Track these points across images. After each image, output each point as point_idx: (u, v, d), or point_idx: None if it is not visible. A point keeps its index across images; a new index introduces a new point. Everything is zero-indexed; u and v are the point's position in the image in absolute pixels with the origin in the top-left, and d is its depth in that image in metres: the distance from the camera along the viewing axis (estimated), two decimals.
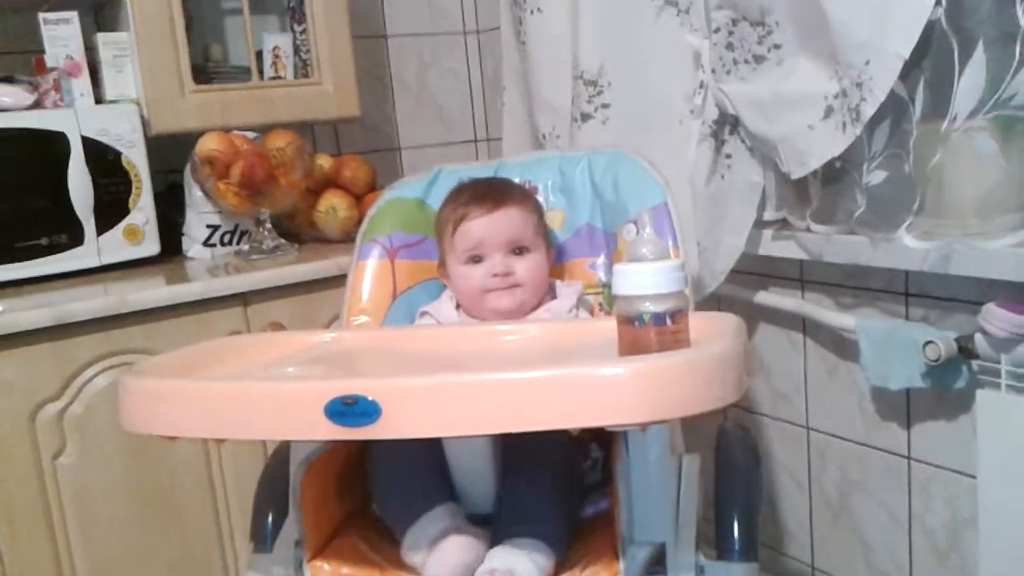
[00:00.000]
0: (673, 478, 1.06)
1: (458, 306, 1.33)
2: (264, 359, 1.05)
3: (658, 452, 0.99)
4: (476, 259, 1.30)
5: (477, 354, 1.07)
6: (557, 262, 1.40)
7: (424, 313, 1.33)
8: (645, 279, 0.84)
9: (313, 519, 1.05)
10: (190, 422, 0.83)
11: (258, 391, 0.81)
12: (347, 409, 0.78)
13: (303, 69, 2.03)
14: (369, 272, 1.38)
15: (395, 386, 0.79)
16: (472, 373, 0.80)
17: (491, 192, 1.33)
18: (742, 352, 0.84)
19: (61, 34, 1.77)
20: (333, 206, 1.93)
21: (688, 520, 1.04)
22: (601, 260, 1.40)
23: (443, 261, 1.36)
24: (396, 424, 0.78)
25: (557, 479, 1.10)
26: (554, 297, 1.34)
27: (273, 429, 0.82)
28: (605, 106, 1.69)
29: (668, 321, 0.83)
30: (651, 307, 0.83)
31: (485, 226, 1.29)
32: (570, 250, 1.42)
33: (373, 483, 1.13)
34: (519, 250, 1.30)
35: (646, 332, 0.83)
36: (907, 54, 1.22)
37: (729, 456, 1.17)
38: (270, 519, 1.15)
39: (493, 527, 1.06)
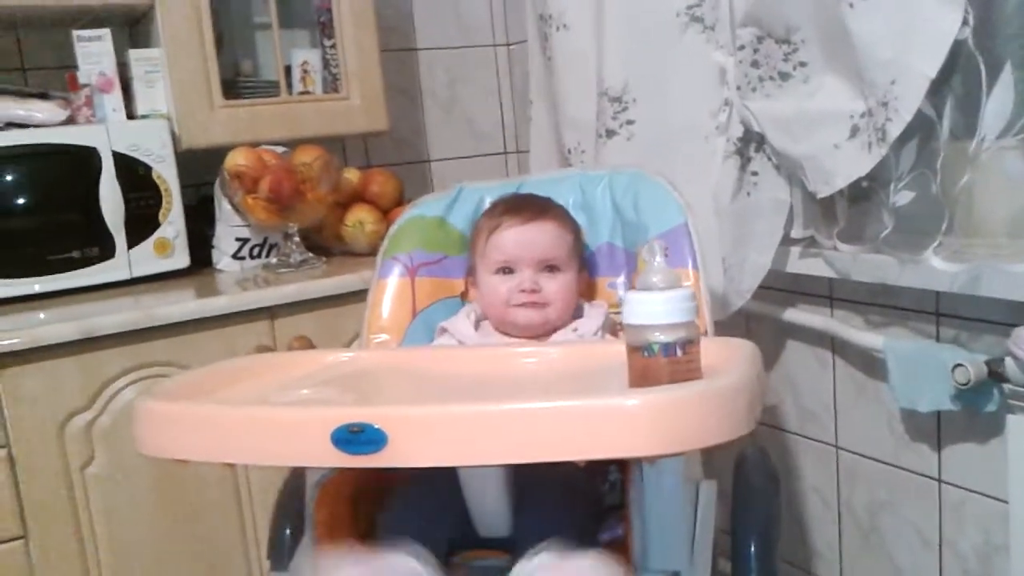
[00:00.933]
0: (689, 505, 1.05)
1: (476, 325, 1.33)
2: (280, 379, 1.05)
3: (673, 479, 0.98)
4: (507, 271, 1.30)
5: (494, 378, 1.06)
6: None
7: (443, 330, 1.34)
8: (655, 308, 0.83)
9: (328, 540, 1.05)
10: (200, 447, 0.84)
11: (266, 417, 0.82)
12: (353, 437, 0.78)
13: (332, 83, 2.04)
14: (390, 290, 1.39)
15: (402, 415, 0.78)
16: (481, 402, 0.79)
17: (529, 205, 1.34)
18: (756, 381, 0.83)
19: (94, 51, 1.80)
20: (360, 220, 1.93)
21: (704, 548, 1.03)
22: (621, 279, 1.39)
23: (472, 270, 1.36)
24: (403, 453, 0.78)
25: (573, 503, 1.09)
26: (580, 317, 1.33)
27: (281, 455, 0.82)
28: (630, 123, 1.68)
29: (678, 351, 0.82)
30: (661, 337, 0.82)
31: (519, 237, 1.30)
32: (591, 268, 1.42)
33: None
34: (551, 268, 1.30)
35: (656, 362, 0.82)
36: (933, 74, 1.20)
37: (747, 482, 1.15)
38: (287, 537, 1.15)
39: (510, 553, 1.05)
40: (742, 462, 1.21)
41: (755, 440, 1.69)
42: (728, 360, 0.88)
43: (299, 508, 1.11)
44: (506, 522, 1.06)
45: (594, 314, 1.33)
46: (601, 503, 1.18)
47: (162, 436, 0.87)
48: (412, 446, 0.78)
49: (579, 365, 1.08)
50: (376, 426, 0.77)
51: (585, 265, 1.38)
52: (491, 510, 1.06)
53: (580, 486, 1.12)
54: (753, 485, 1.15)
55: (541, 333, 1.30)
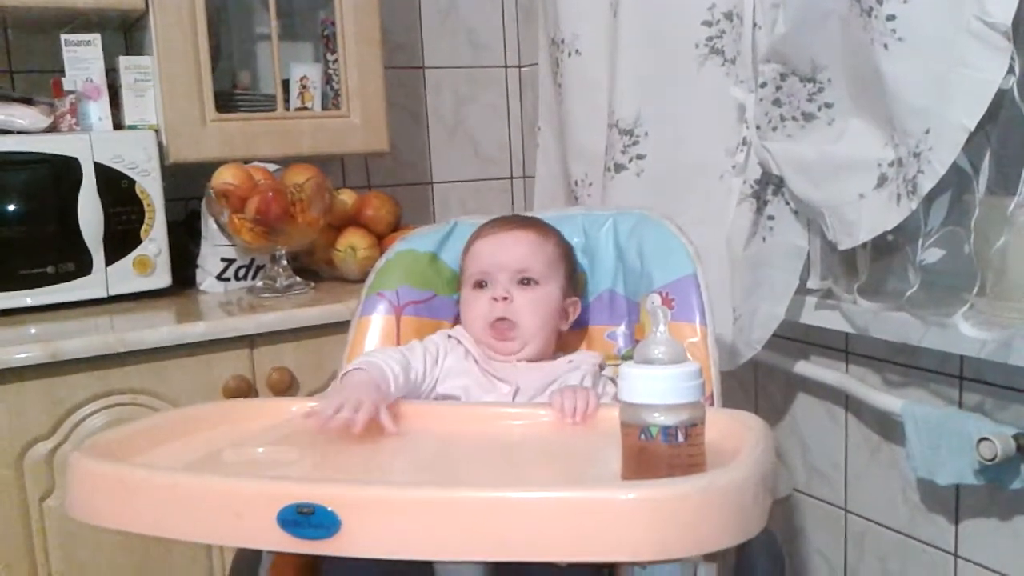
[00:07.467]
0: None
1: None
2: (238, 432, 0.96)
3: (670, 567, 0.88)
4: (483, 285, 1.24)
5: (474, 444, 0.96)
6: (575, 327, 1.30)
7: (449, 337, 1.25)
8: (656, 385, 0.73)
9: None
10: (131, 517, 0.74)
11: (206, 489, 0.72)
12: (302, 519, 0.68)
13: (333, 100, 1.95)
14: (373, 329, 1.29)
15: (357, 497, 0.69)
16: (446, 487, 0.69)
17: (512, 218, 1.31)
18: (769, 474, 0.73)
19: (82, 56, 1.71)
20: (352, 245, 1.84)
21: None
22: (622, 329, 1.30)
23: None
24: (356, 540, 0.68)
25: None
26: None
27: (221, 534, 0.73)
28: (640, 157, 1.58)
29: (680, 436, 0.72)
30: (661, 419, 0.72)
31: (492, 246, 1.25)
32: (589, 316, 1.32)
33: None
34: (527, 280, 1.22)
35: (654, 447, 0.72)
36: (972, 126, 1.10)
37: (751, 567, 1.04)
38: None
39: None
40: (746, 543, 1.10)
41: None
42: (736, 443, 0.78)
43: (256, 568, 1.01)
44: None
45: (589, 355, 1.25)
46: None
47: (91, 499, 0.77)
48: (367, 534, 0.68)
49: (574, 432, 0.98)
50: (328, 508, 0.68)
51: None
52: None
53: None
54: (757, 570, 1.04)
55: (524, 357, 1.22)
